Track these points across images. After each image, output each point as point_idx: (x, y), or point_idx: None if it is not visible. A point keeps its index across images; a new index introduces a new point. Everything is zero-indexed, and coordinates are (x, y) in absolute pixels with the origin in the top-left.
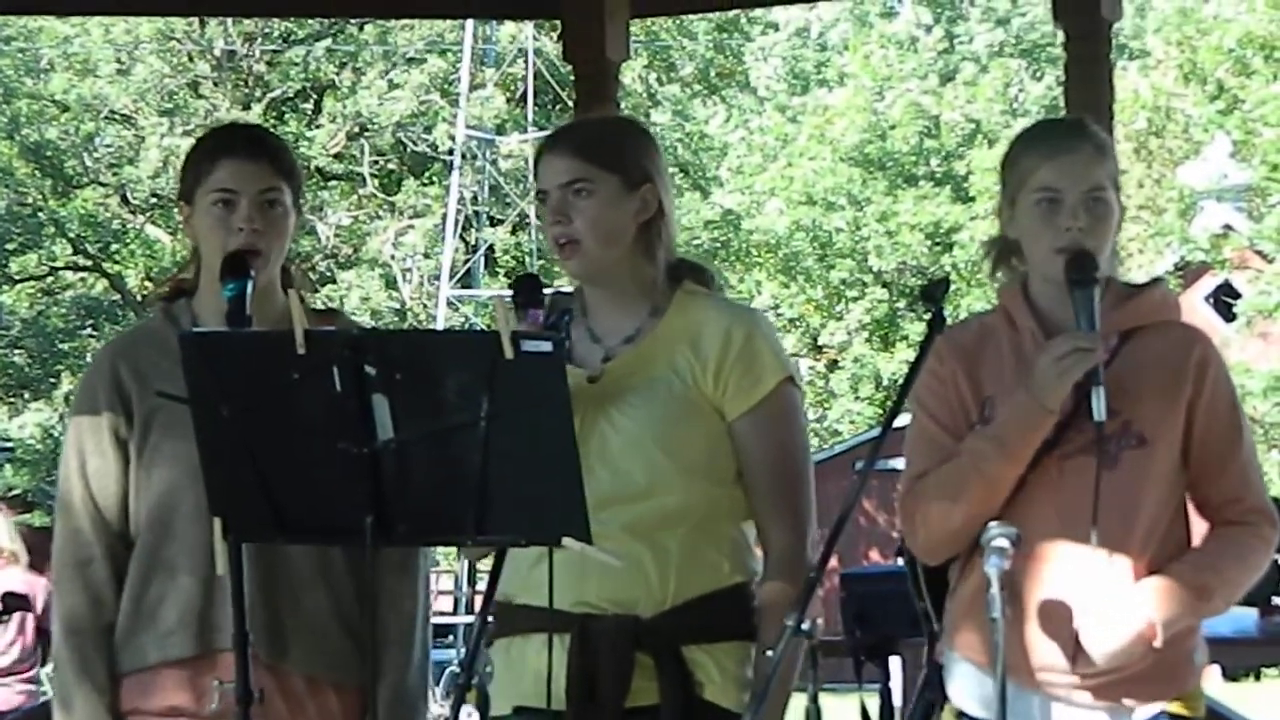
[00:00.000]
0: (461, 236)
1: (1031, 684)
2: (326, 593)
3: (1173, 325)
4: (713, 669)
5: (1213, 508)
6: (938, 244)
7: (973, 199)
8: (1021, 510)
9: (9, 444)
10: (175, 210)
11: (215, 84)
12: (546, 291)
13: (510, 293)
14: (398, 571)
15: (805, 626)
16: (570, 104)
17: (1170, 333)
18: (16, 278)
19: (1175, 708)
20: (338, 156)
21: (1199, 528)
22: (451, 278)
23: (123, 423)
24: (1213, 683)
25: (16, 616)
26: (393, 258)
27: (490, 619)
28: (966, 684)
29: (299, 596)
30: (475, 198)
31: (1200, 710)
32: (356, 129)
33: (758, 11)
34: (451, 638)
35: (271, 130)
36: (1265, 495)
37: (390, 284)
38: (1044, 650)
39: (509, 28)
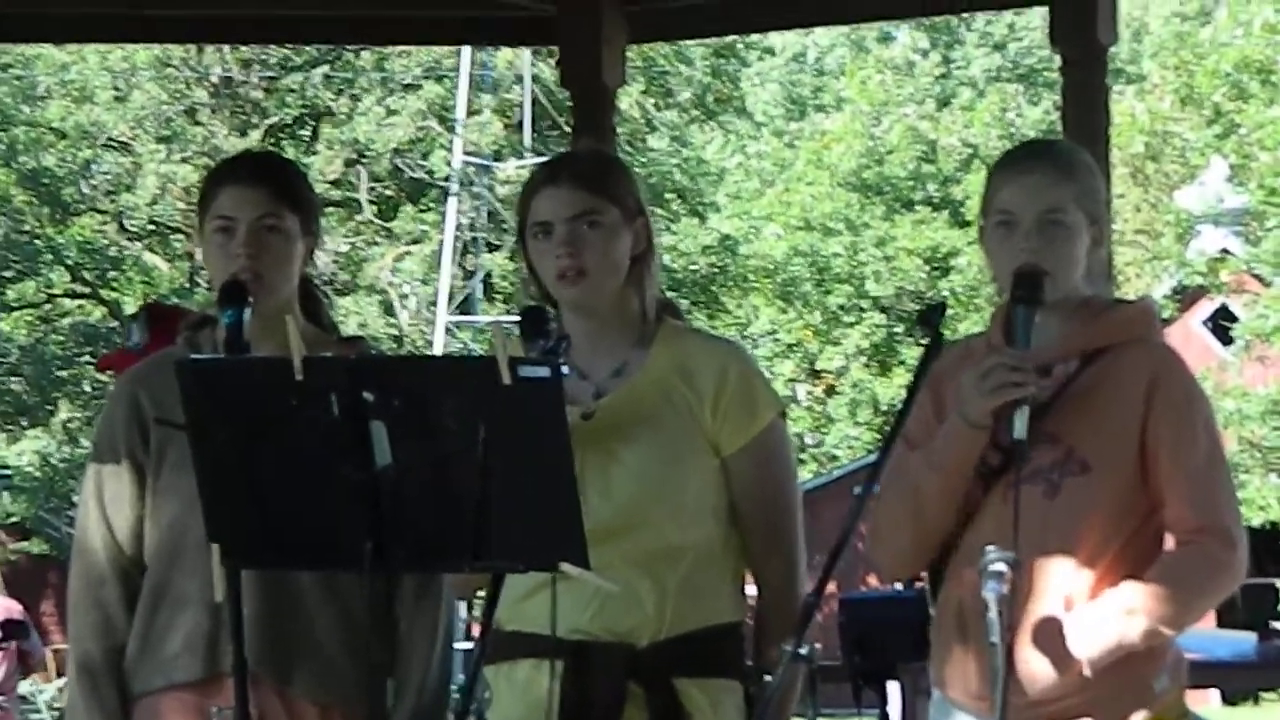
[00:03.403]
0: (459, 263)
1: (970, 707)
2: (339, 620)
3: (1139, 345)
4: (704, 702)
5: (1168, 528)
6: (935, 269)
7: (970, 223)
8: (971, 534)
9: (7, 471)
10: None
11: (213, 111)
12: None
13: (510, 319)
14: (415, 600)
15: (804, 651)
16: (567, 129)
17: (1131, 354)
18: (14, 305)
19: None
20: (335, 183)
21: None
22: (449, 304)
23: (140, 449)
24: (1212, 706)
25: None
26: (390, 284)
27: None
28: (931, 706)
29: (310, 623)
30: (473, 224)
31: None
32: (354, 155)
33: (754, 37)
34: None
35: (283, 157)
36: (1222, 515)
37: (388, 310)
38: (977, 676)
39: (506, 54)
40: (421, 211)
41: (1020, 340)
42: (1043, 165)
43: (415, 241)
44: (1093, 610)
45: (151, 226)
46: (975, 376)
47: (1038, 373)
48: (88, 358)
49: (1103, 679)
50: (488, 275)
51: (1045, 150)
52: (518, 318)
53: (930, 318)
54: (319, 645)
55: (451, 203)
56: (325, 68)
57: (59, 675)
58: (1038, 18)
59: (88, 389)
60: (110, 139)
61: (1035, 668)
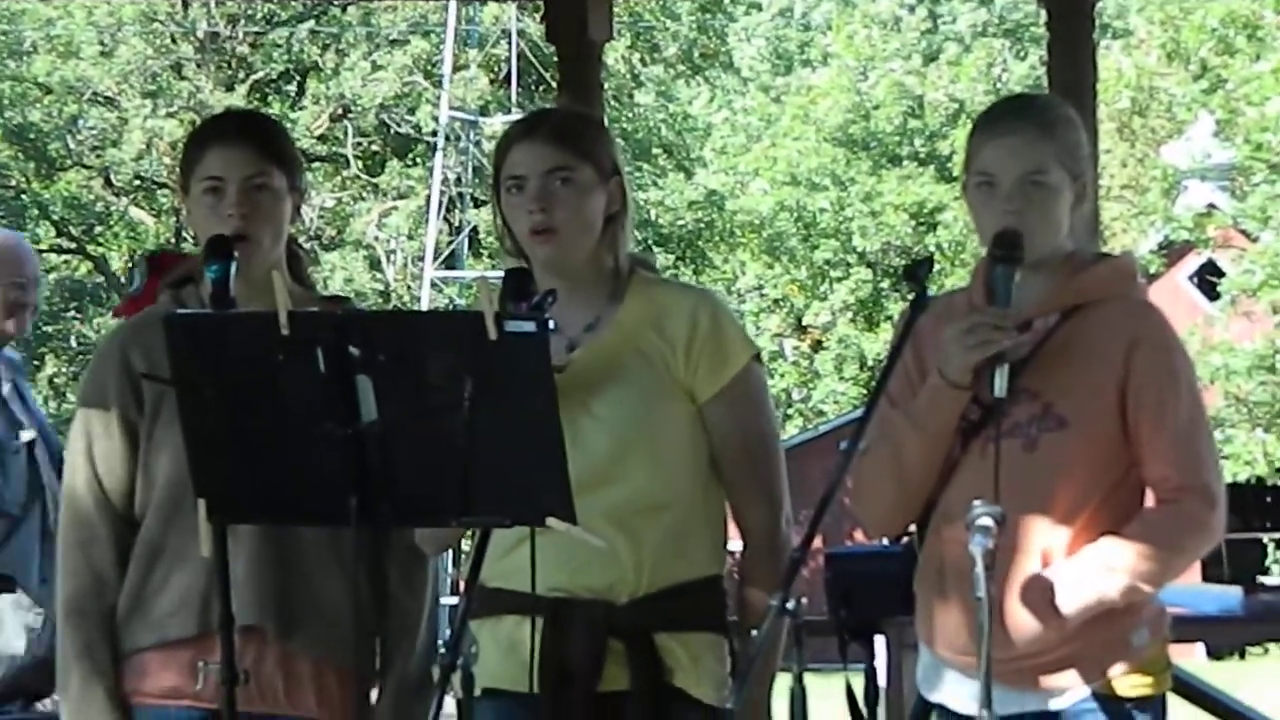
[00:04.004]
0: (445, 218)
1: (956, 663)
2: (339, 576)
3: (1119, 302)
4: (683, 656)
5: (1150, 487)
6: (922, 224)
7: (956, 179)
8: (954, 491)
9: None
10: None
11: (198, 66)
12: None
13: (496, 274)
14: (408, 557)
15: (789, 606)
16: (554, 85)
17: (1111, 310)
18: None
19: (1116, 688)
20: (321, 138)
21: None
22: (435, 259)
23: (132, 407)
24: (1197, 661)
25: None
26: (376, 239)
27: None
28: (919, 663)
29: (311, 579)
30: (459, 179)
31: (1158, 688)
32: (340, 111)
33: None
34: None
35: (265, 115)
36: (1202, 473)
37: (374, 266)
38: (960, 629)
39: (492, 8)
40: (407, 167)
41: (1001, 300)
42: (1022, 125)
43: (401, 197)
44: (1071, 566)
45: (138, 182)
46: (955, 333)
47: (1018, 328)
48: (74, 313)
49: (1081, 633)
50: (474, 230)
51: (1025, 108)
52: (503, 274)
53: (916, 273)
54: (321, 601)
55: (438, 158)
56: (311, 22)
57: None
58: None
59: (74, 344)
60: (96, 94)
61: (1016, 622)
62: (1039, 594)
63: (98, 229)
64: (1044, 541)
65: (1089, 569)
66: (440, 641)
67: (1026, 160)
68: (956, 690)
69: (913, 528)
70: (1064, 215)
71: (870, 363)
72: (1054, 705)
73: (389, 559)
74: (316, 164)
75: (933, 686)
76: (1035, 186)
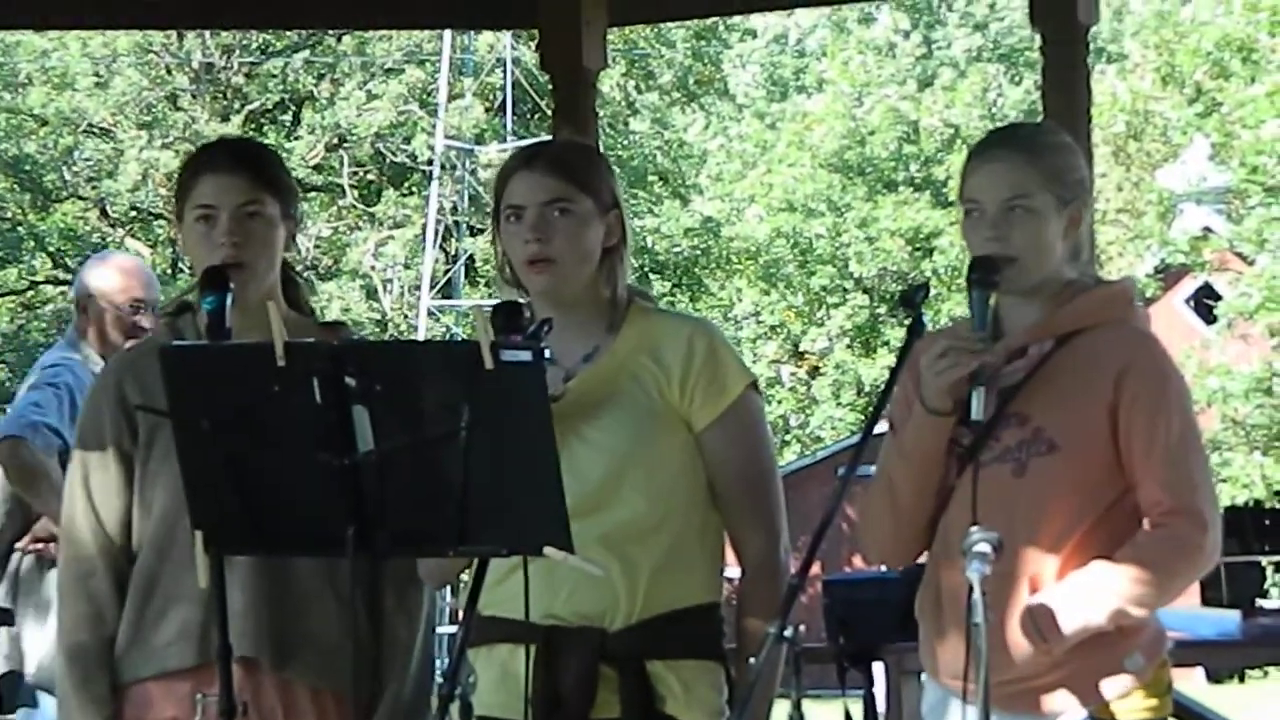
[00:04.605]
0: (441, 247)
1: (955, 689)
2: (334, 605)
3: (1113, 327)
4: (675, 684)
5: (1143, 511)
6: (918, 249)
7: (952, 204)
8: (947, 518)
9: None
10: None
11: (194, 97)
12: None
13: (493, 303)
14: (404, 584)
15: (788, 633)
16: (548, 113)
17: (1105, 336)
18: None
19: (1115, 711)
20: (317, 168)
21: None
22: (432, 288)
23: (127, 438)
24: (1196, 685)
25: None
26: (373, 268)
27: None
28: (925, 698)
29: (306, 608)
30: (455, 208)
31: (1158, 713)
32: (335, 140)
33: (735, 19)
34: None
35: (259, 143)
36: (1194, 496)
37: (371, 295)
38: (958, 657)
39: (487, 37)
40: (403, 196)
41: (976, 323)
42: (1005, 152)
43: (397, 226)
44: (1059, 591)
45: (134, 213)
46: (929, 359)
47: (1010, 356)
48: None
49: (1073, 656)
50: (470, 259)
51: (1011, 135)
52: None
53: (913, 298)
54: (316, 631)
55: (433, 187)
56: (306, 53)
57: None
58: None
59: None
60: (91, 125)
61: (1010, 646)
62: (1026, 619)
63: None
64: (1032, 567)
65: (1076, 594)
66: (438, 670)
67: (1009, 185)
68: (957, 717)
69: (924, 557)
70: (1053, 240)
71: (867, 388)
72: None
73: (384, 584)
74: (312, 194)
75: (940, 717)
76: (1019, 211)
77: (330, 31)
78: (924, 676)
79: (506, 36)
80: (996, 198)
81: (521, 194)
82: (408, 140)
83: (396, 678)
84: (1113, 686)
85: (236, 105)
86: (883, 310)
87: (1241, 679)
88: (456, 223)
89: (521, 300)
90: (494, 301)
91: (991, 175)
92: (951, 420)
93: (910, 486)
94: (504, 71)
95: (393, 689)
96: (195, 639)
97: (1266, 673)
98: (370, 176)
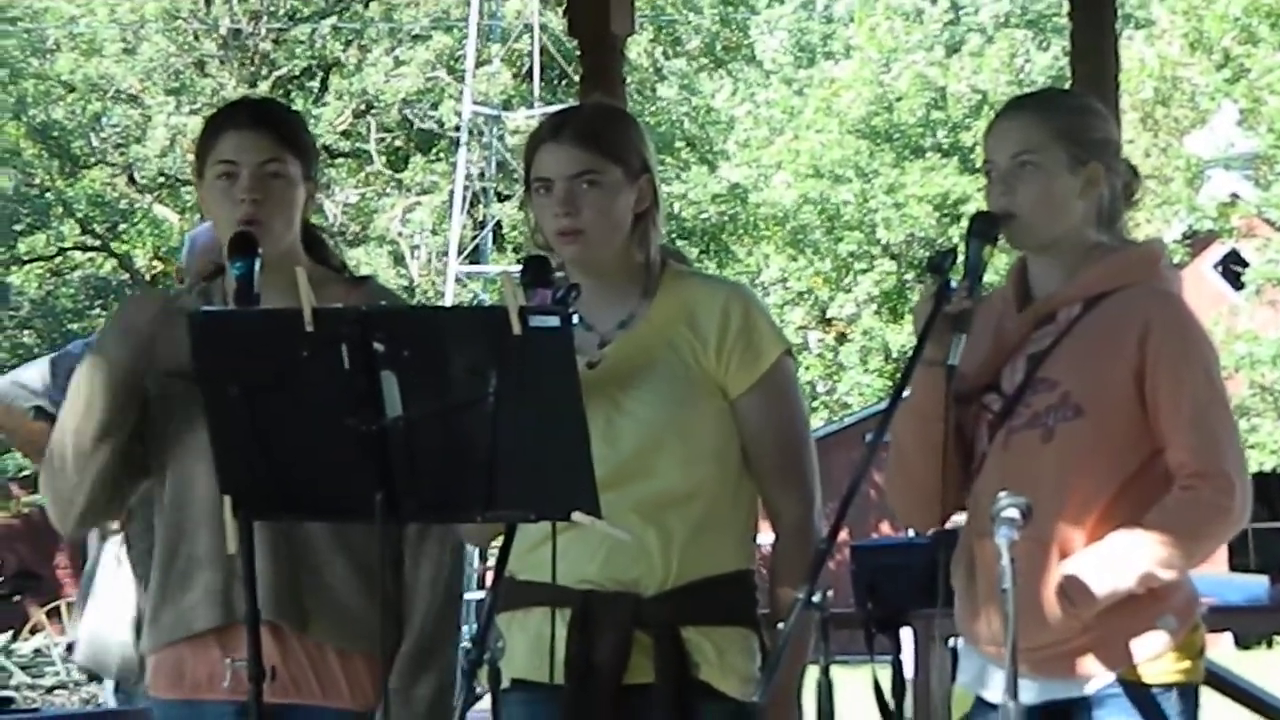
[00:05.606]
0: (469, 213)
1: (993, 655)
2: (348, 564)
3: (1138, 289)
4: (710, 650)
5: (1171, 473)
6: (945, 215)
7: (979, 170)
8: (980, 485)
9: None
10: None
11: (221, 62)
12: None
13: (519, 269)
14: (415, 538)
15: (816, 599)
16: (576, 79)
17: (1129, 296)
18: (25, 258)
19: (1143, 674)
20: (345, 134)
21: None
22: (460, 254)
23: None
24: (1224, 650)
25: None
26: (400, 235)
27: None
28: (960, 659)
29: (320, 570)
30: (482, 174)
31: (1190, 676)
32: (363, 106)
33: None
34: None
35: (280, 102)
36: (1221, 459)
37: (398, 261)
38: (992, 622)
39: (514, 3)
40: (431, 162)
41: (969, 275)
42: (1017, 111)
43: (425, 192)
44: (1087, 556)
45: (161, 179)
46: (916, 309)
47: (1042, 321)
48: (98, 310)
49: (1104, 620)
50: (498, 225)
51: (1029, 98)
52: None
53: (940, 264)
54: (333, 592)
55: (461, 153)
56: (334, 18)
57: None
58: None
59: None
60: (119, 91)
61: (1041, 611)
62: (1056, 584)
63: (121, 226)
64: (1062, 532)
65: (1104, 558)
66: (466, 635)
67: (1016, 141)
68: (999, 684)
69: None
70: (1065, 197)
71: (895, 355)
72: (1084, 691)
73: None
74: (340, 160)
75: (983, 685)
76: (1024, 167)
77: None
78: (960, 645)
79: (534, 2)
80: (1005, 154)
81: (550, 166)
82: (435, 106)
83: (413, 632)
84: (1145, 647)
85: (264, 71)
86: (910, 276)
87: (1270, 644)
88: (484, 189)
89: (555, 263)
90: (521, 268)
91: (1003, 133)
92: (942, 369)
93: (913, 441)
94: (531, 37)
95: (407, 644)
96: (219, 601)
97: None
98: (398, 143)
